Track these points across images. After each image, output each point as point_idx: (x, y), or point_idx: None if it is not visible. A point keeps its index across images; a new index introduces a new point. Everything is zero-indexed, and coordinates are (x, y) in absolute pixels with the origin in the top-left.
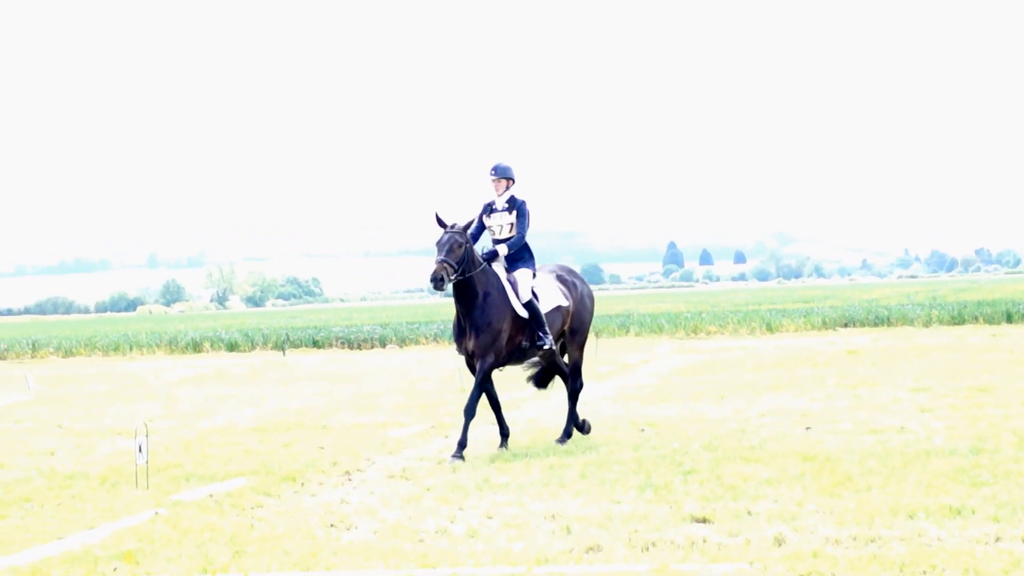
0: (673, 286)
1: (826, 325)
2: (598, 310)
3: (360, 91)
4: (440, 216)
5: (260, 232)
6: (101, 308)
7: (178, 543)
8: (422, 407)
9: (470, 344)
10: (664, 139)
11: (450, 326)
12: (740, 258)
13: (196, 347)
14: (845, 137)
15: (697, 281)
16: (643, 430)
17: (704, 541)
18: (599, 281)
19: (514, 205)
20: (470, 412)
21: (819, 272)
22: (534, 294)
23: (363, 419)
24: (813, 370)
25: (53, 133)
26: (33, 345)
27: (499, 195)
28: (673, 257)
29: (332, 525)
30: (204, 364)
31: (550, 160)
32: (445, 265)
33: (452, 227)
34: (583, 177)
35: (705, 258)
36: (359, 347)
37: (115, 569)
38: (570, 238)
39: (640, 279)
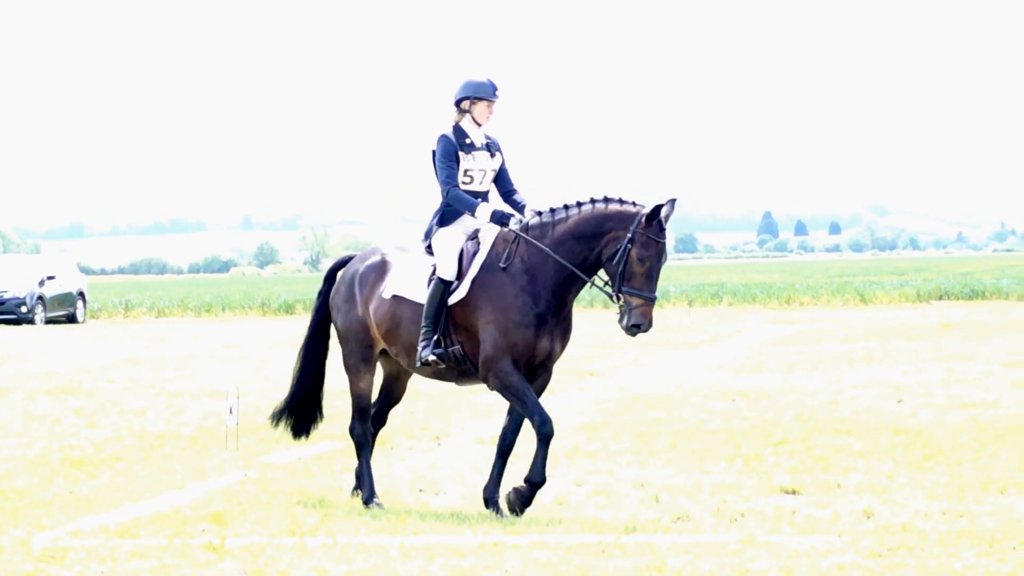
0: (767, 256)
1: (920, 298)
2: (692, 278)
3: (462, 58)
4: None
5: (355, 195)
6: (194, 269)
7: (266, 505)
8: None
9: (556, 345)
10: (761, 108)
11: None
12: (835, 229)
13: (289, 309)
14: (943, 109)
15: (791, 251)
16: (734, 400)
17: (793, 513)
18: (693, 250)
19: (495, 145)
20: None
21: (914, 244)
22: None
23: (453, 384)
24: (906, 343)
25: (151, 94)
26: (126, 305)
27: (480, 126)
28: (768, 227)
29: (421, 490)
30: (296, 326)
31: (645, 126)
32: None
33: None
34: (679, 144)
35: (800, 228)
36: None
37: (203, 530)
38: None
39: (734, 248)
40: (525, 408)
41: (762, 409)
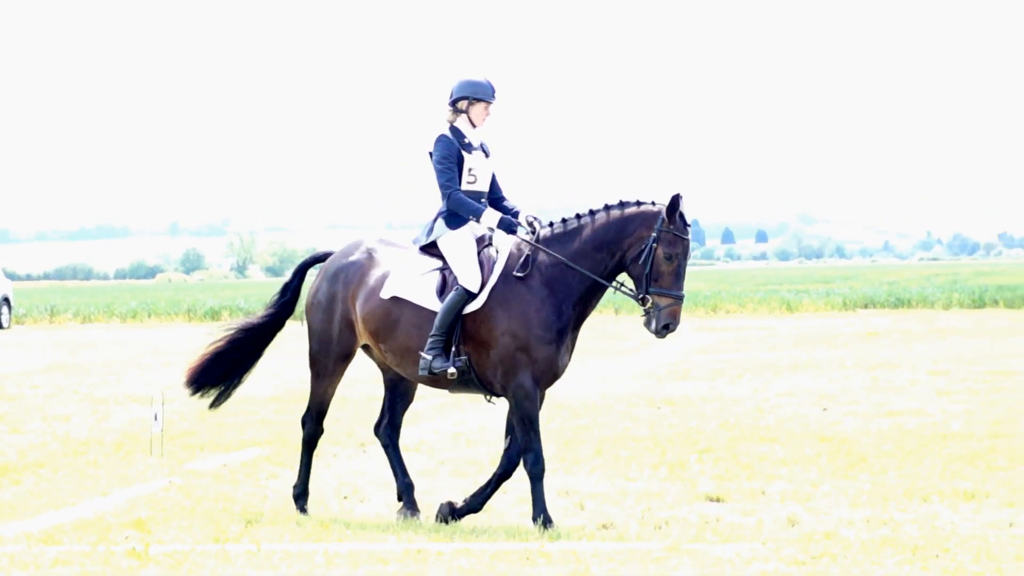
0: (694, 264)
1: (846, 306)
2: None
3: (388, 61)
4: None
5: (283, 202)
6: (120, 275)
7: (191, 512)
8: None
9: (567, 360)
10: (688, 117)
11: None
12: (762, 237)
13: (215, 316)
14: (870, 119)
15: (718, 259)
16: (660, 408)
17: (717, 520)
18: None
19: (486, 148)
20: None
21: (841, 253)
22: None
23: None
24: (832, 351)
25: (77, 100)
26: (51, 311)
27: (476, 128)
28: (695, 235)
29: (345, 497)
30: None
31: (570, 135)
32: None
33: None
34: (604, 152)
35: (727, 237)
36: None
37: (127, 537)
38: None
39: None
40: (527, 439)
41: (687, 417)
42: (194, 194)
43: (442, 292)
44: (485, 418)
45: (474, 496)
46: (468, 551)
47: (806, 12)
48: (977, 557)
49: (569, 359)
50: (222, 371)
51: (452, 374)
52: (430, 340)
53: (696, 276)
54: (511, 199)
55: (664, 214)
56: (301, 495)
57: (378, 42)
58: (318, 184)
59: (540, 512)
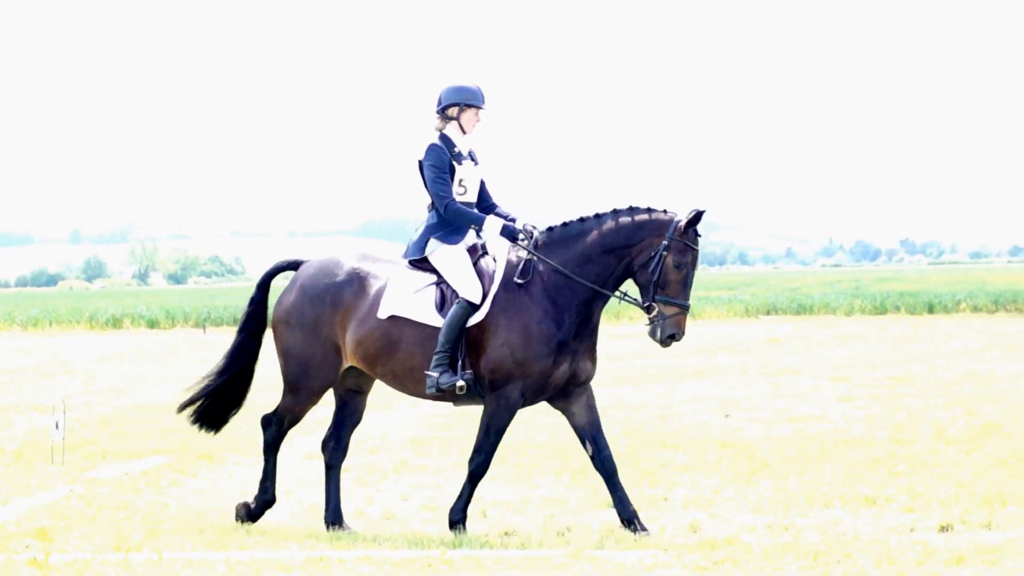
0: None
1: (749, 313)
2: None
3: (294, 67)
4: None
5: (185, 209)
6: (21, 283)
7: (92, 521)
8: None
9: (583, 365)
10: (588, 125)
11: None
12: None
13: (116, 323)
14: (769, 125)
15: None
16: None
17: (620, 527)
18: None
19: (474, 154)
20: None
21: (743, 259)
22: None
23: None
24: (734, 357)
25: None
26: None
27: (466, 134)
28: None
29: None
30: (124, 341)
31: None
32: None
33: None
34: (510, 161)
35: None
36: None
37: (28, 546)
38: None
39: None
40: (487, 441)
41: None
42: (96, 201)
43: (442, 307)
44: (387, 426)
45: (619, 510)
46: (370, 559)
47: (711, 19)
48: (878, 562)
49: (593, 367)
50: (223, 406)
51: (461, 388)
52: (436, 356)
53: None
54: (502, 206)
55: (678, 223)
56: (270, 500)
57: (289, 48)
58: (220, 191)
59: (459, 510)
